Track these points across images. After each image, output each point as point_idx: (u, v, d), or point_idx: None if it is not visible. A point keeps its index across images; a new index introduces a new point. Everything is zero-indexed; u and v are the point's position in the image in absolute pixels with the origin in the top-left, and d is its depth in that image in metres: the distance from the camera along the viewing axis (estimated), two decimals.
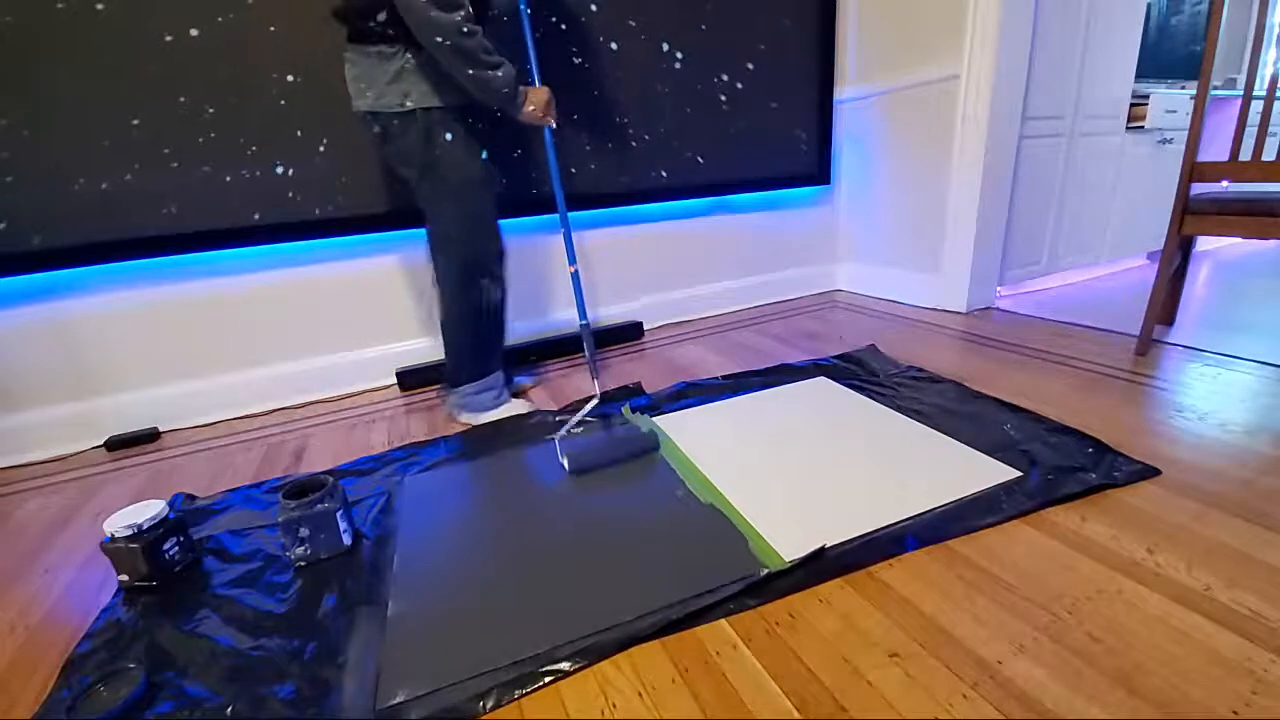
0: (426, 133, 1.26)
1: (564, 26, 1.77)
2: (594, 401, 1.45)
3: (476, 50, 1.18)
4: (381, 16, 1.16)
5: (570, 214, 1.98)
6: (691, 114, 2.04)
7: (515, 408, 1.52)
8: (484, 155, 1.35)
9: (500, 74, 1.24)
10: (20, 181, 1.35)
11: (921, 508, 0.99)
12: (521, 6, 1.38)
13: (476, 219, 1.37)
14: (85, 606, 0.93)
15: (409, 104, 1.23)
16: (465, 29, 1.14)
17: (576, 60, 1.82)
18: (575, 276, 1.49)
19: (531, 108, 1.33)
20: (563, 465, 1.21)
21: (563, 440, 1.32)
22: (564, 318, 2.05)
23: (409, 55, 1.21)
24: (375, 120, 1.27)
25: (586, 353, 1.48)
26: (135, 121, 1.40)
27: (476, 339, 1.44)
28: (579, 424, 1.39)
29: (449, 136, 1.28)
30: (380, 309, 1.80)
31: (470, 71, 1.19)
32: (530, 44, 1.40)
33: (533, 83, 1.39)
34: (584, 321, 1.49)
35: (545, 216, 1.89)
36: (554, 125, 1.42)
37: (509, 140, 1.76)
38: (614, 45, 1.86)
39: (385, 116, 1.25)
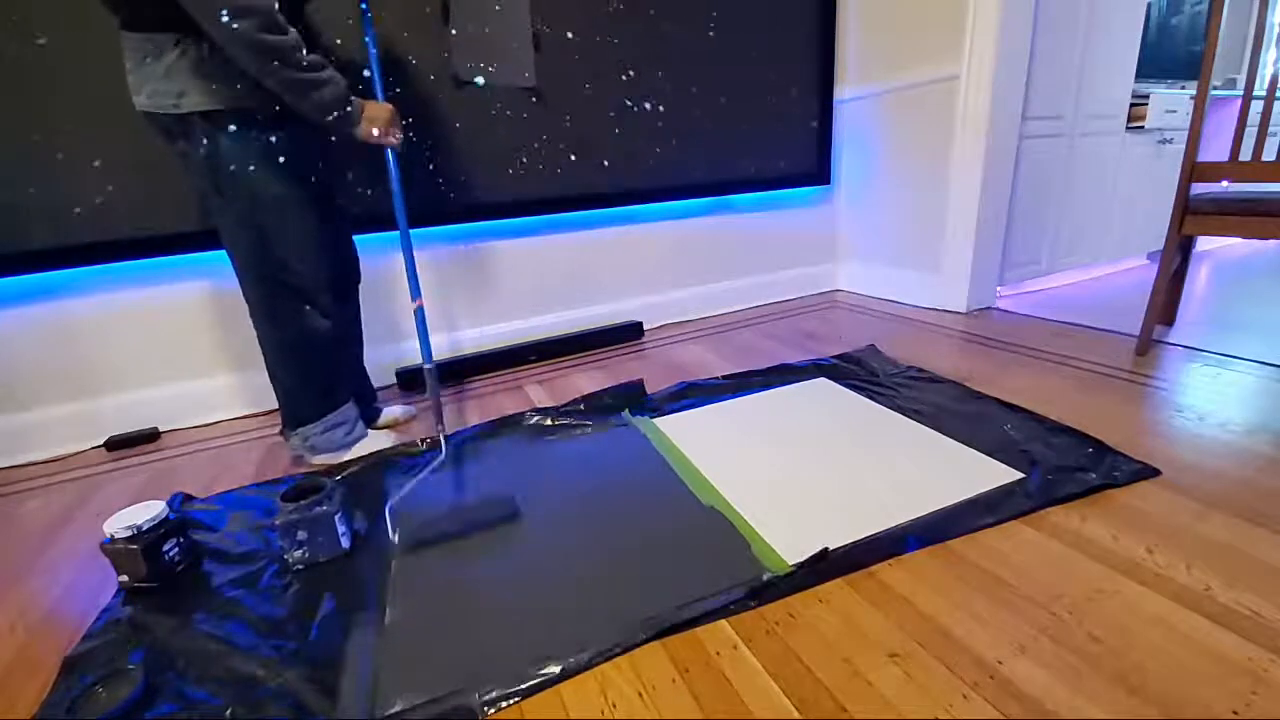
0: (209, 142, 1.05)
1: (566, 24, 1.78)
2: (440, 457, 1.26)
3: (282, 48, 0.98)
4: None
5: (570, 214, 2.01)
6: (692, 113, 2.05)
7: (374, 442, 1.36)
8: (299, 168, 1.14)
9: (323, 81, 1.04)
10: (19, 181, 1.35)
11: (922, 508, 0.98)
12: (364, 8, 1.23)
13: (283, 245, 1.15)
14: (85, 607, 0.93)
15: (184, 105, 1.02)
16: (264, 20, 0.95)
17: (576, 61, 1.82)
18: (419, 313, 1.32)
19: (368, 124, 1.15)
20: (392, 540, 1.02)
21: (396, 503, 1.10)
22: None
23: (185, 46, 1.00)
24: (153, 122, 1.07)
25: (430, 396, 1.32)
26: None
27: (308, 373, 1.26)
28: (430, 472, 1.22)
29: (239, 148, 1.07)
30: (379, 309, 1.80)
31: (277, 73, 0.99)
32: (373, 52, 1.24)
33: (375, 97, 1.23)
34: (429, 365, 1.33)
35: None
36: (396, 145, 1.23)
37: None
38: (615, 41, 1.86)
39: (162, 119, 1.05)
